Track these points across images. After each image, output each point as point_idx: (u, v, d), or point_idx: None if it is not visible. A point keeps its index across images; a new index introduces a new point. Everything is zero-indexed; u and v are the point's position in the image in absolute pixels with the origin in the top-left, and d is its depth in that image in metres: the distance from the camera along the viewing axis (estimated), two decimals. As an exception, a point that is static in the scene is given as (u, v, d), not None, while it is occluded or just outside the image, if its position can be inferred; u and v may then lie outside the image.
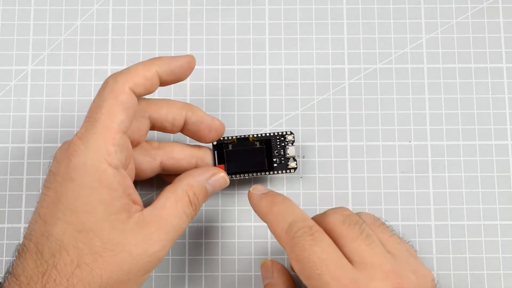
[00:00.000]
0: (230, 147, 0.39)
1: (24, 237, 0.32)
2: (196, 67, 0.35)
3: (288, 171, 0.39)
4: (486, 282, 0.40)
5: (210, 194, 0.36)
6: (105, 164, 0.31)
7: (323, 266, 0.30)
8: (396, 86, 0.42)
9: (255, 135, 0.39)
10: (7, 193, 0.41)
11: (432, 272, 0.34)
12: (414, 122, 0.42)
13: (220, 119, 0.38)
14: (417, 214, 0.41)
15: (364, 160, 0.41)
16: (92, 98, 0.42)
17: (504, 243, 0.40)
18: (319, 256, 0.31)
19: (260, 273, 0.40)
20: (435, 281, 0.33)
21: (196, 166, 0.37)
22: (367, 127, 0.42)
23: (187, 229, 0.38)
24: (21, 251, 0.32)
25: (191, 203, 0.34)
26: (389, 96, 0.42)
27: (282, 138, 0.39)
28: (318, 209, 0.41)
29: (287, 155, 0.39)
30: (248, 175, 0.38)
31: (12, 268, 0.32)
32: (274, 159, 0.39)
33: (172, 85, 0.42)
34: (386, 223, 0.35)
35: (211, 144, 0.39)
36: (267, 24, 0.43)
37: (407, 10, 0.43)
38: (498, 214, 0.41)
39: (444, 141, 0.42)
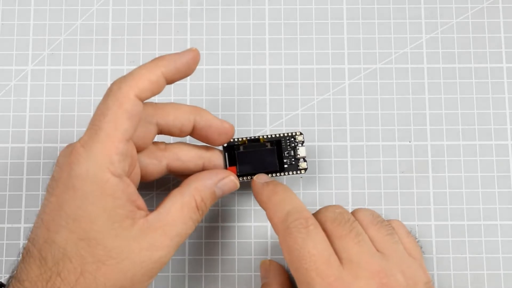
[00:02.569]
0: (241, 148, 0.38)
1: (28, 241, 0.32)
2: (196, 68, 0.35)
3: (299, 171, 0.38)
4: (486, 282, 0.40)
5: (219, 197, 0.36)
6: (107, 173, 0.31)
7: (311, 262, 0.31)
8: (396, 86, 0.42)
9: (265, 136, 0.38)
10: (7, 193, 0.41)
11: (429, 275, 0.34)
12: (414, 122, 0.42)
13: (221, 119, 0.38)
14: (417, 214, 0.41)
15: (364, 160, 0.41)
16: (92, 98, 0.42)
17: (504, 243, 0.40)
18: (309, 250, 0.31)
19: (259, 273, 0.40)
20: (431, 284, 0.33)
21: (203, 168, 0.37)
22: (367, 127, 0.42)
23: (190, 234, 0.38)
24: (24, 255, 0.32)
25: (197, 209, 0.34)
26: (389, 96, 0.42)
27: (292, 139, 0.39)
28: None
29: (298, 156, 0.39)
30: None
31: (16, 272, 0.31)
32: (285, 160, 0.38)
33: (172, 85, 0.42)
34: (404, 223, 0.35)
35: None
36: (267, 24, 0.43)
37: (407, 10, 0.43)
38: (498, 214, 0.41)
39: (444, 141, 0.42)
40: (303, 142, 0.39)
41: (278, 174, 0.38)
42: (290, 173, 0.38)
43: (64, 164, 0.32)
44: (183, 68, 0.34)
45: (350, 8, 0.43)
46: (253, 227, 0.40)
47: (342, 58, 0.43)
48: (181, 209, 0.33)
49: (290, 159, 0.38)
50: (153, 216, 0.32)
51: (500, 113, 0.42)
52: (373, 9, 0.43)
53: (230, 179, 0.36)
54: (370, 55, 0.43)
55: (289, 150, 0.39)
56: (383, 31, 0.43)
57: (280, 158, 0.38)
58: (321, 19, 0.43)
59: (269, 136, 0.39)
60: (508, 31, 0.43)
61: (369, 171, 0.41)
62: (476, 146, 0.42)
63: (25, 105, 0.42)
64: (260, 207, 0.41)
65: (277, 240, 0.40)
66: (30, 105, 0.42)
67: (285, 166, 0.38)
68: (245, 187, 0.41)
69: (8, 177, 0.41)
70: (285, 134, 0.39)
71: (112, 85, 0.32)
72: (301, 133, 0.39)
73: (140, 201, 0.33)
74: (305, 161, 0.38)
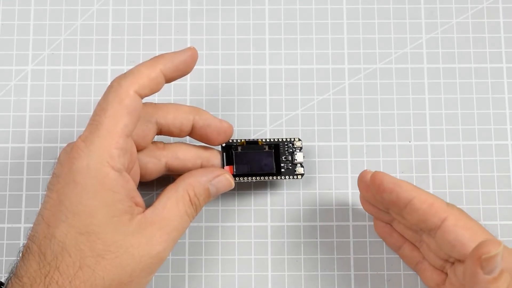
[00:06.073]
0: (239, 149, 0.38)
1: (28, 238, 0.32)
2: (196, 67, 0.35)
3: (295, 177, 0.39)
4: (486, 282, 0.40)
5: (214, 195, 0.36)
6: (107, 167, 0.31)
7: None
8: (396, 86, 0.42)
9: (264, 139, 0.39)
10: (7, 193, 0.41)
11: None
12: (414, 122, 0.42)
13: (219, 119, 0.38)
14: (417, 214, 0.41)
15: (364, 160, 0.41)
16: (92, 98, 0.42)
17: (504, 243, 0.40)
18: None
19: (260, 273, 0.40)
20: None
21: (201, 167, 0.37)
22: (367, 127, 0.42)
23: (187, 229, 0.38)
24: (24, 253, 0.32)
25: (191, 203, 0.34)
26: (389, 96, 0.42)
27: (291, 144, 0.39)
28: (318, 209, 0.41)
29: (295, 161, 0.39)
30: (256, 178, 0.38)
31: (16, 269, 0.32)
32: (282, 164, 0.38)
33: (172, 85, 0.42)
34: None
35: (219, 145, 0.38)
36: (267, 24, 0.43)
37: (407, 10, 0.43)
38: (498, 214, 0.41)
39: (444, 141, 0.42)
40: (301, 148, 0.39)
41: (274, 177, 0.38)
42: (287, 177, 0.38)
43: (65, 160, 0.32)
44: (181, 66, 0.34)
45: (350, 8, 0.44)
46: (253, 227, 0.40)
47: (342, 58, 0.43)
48: (176, 204, 0.34)
49: (287, 163, 0.39)
50: (150, 211, 0.33)
51: (500, 113, 0.42)
52: (373, 9, 0.44)
53: (225, 177, 0.36)
54: (370, 55, 0.43)
55: (287, 155, 0.39)
56: (383, 31, 0.43)
57: (277, 161, 0.38)
58: (321, 19, 0.43)
59: (267, 140, 0.39)
60: (508, 31, 0.43)
61: (369, 171, 0.41)
62: (476, 146, 0.42)
63: (25, 105, 0.42)
64: (260, 207, 0.41)
65: (277, 240, 0.40)
66: (30, 105, 0.42)
67: (282, 170, 0.38)
68: (244, 187, 0.41)
69: (8, 177, 0.41)
70: (284, 139, 0.39)
71: (112, 82, 0.33)
72: (299, 139, 0.39)
73: (139, 198, 0.33)
74: (302, 166, 0.39)
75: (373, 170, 0.35)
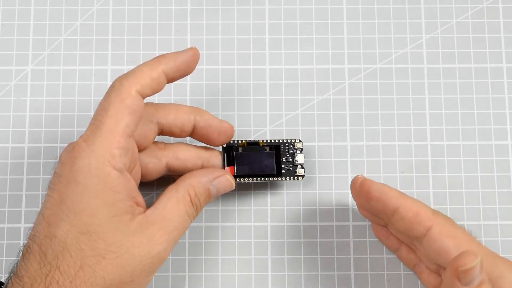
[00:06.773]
0: (240, 150, 0.38)
1: (29, 238, 0.32)
2: (196, 67, 0.35)
3: (296, 178, 0.39)
4: (486, 282, 0.40)
5: (214, 196, 0.36)
6: (109, 167, 0.31)
7: None
8: (396, 86, 0.42)
9: (264, 140, 0.39)
10: (7, 193, 0.41)
11: None
12: (414, 122, 0.42)
13: (220, 119, 0.38)
14: (417, 214, 0.41)
15: (364, 160, 0.41)
16: (92, 98, 0.42)
17: (504, 243, 0.40)
18: None
19: (260, 274, 0.40)
20: None
21: (202, 167, 0.37)
22: (367, 127, 0.42)
23: (187, 229, 0.38)
24: (25, 252, 0.32)
25: (192, 203, 0.34)
26: (389, 96, 0.42)
27: (291, 146, 0.39)
28: (318, 209, 0.41)
29: (296, 162, 0.39)
30: (257, 179, 0.38)
31: (16, 269, 0.32)
32: (283, 166, 0.39)
33: (173, 85, 0.42)
34: None
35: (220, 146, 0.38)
36: (267, 24, 0.43)
37: (407, 10, 0.43)
38: (498, 214, 0.41)
39: (444, 141, 0.42)
40: (302, 149, 0.39)
41: (275, 178, 0.38)
42: (287, 178, 0.39)
43: (67, 159, 0.32)
44: (183, 66, 0.34)
45: (350, 8, 0.44)
46: (253, 227, 0.40)
47: (342, 58, 0.43)
48: (177, 204, 0.34)
49: (288, 165, 0.39)
50: (151, 211, 0.33)
51: (500, 113, 0.42)
52: (373, 9, 0.44)
53: (226, 178, 0.36)
54: (370, 55, 0.43)
55: (288, 156, 0.39)
56: (383, 31, 0.43)
57: (278, 162, 0.38)
58: (321, 19, 0.43)
59: (268, 141, 0.39)
60: (508, 31, 0.43)
61: (369, 171, 0.41)
62: (476, 146, 0.42)
63: (25, 105, 0.42)
64: (260, 207, 0.41)
65: (277, 240, 0.40)
66: (30, 105, 0.42)
67: (283, 171, 0.38)
68: (244, 187, 0.41)
69: (8, 177, 0.41)
70: (285, 140, 0.39)
71: (114, 81, 0.33)
72: (300, 141, 0.39)
73: (140, 198, 0.33)
74: (302, 168, 0.39)
75: (366, 176, 0.35)
